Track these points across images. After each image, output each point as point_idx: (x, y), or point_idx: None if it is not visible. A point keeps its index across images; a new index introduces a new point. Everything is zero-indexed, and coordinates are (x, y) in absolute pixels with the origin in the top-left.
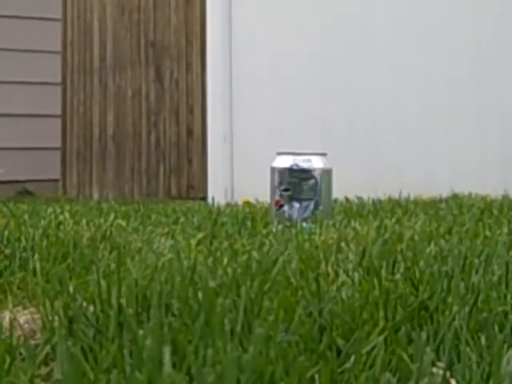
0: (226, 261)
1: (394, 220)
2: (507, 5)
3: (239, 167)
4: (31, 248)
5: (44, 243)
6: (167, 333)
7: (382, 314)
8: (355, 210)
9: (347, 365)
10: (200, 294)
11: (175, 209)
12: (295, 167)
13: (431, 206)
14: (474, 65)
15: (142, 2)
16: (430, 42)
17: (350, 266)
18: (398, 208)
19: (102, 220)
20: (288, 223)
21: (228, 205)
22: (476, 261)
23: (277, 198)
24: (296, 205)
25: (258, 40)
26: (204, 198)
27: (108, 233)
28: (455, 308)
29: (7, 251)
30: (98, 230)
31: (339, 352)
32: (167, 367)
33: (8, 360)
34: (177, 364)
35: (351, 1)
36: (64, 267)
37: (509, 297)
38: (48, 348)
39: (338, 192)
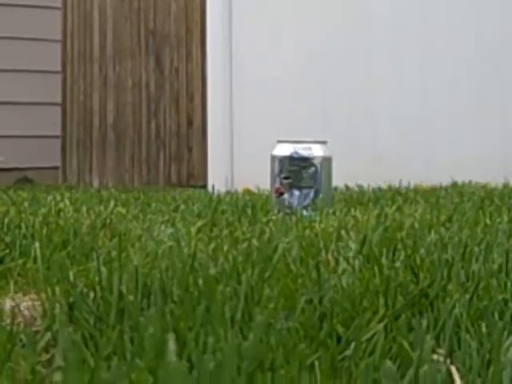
0: (226, 248)
1: (394, 208)
2: (508, 4)
3: (239, 155)
4: (31, 235)
5: (44, 230)
6: (168, 320)
7: (382, 301)
8: (355, 198)
9: (347, 352)
10: (200, 282)
11: (175, 197)
12: (295, 155)
13: (431, 195)
14: (475, 56)
15: None
16: (431, 28)
17: (351, 254)
18: (399, 196)
19: (102, 207)
20: (288, 211)
21: (228, 193)
22: (476, 249)
23: (277, 185)
24: (296, 193)
25: (259, 28)
26: (204, 186)
27: (108, 220)
28: (455, 296)
29: (7, 239)
30: (98, 218)
31: (339, 339)
32: (171, 355)
33: (9, 347)
34: (177, 351)
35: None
36: (64, 254)
37: (509, 285)
38: (49, 335)
39: (338, 180)
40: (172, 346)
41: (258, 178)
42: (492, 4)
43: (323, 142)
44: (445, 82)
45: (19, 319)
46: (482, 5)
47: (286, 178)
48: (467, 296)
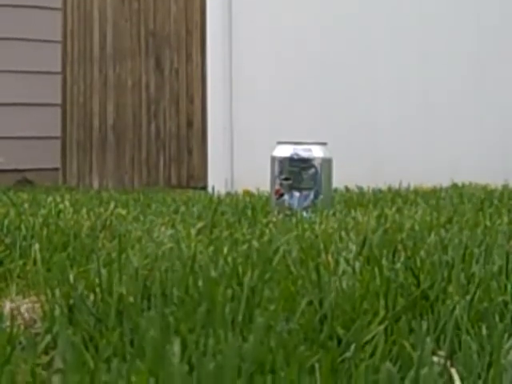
0: (226, 250)
1: (394, 209)
2: (508, 3)
3: (239, 156)
4: (31, 237)
5: (44, 232)
6: (168, 322)
7: (382, 303)
8: (355, 200)
9: (347, 354)
10: (201, 283)
11: (175, 198)
12: (295, 156)
13: (431, 196)
14: (475, 56)
15: None
16: (431, 28)
17: (351, 256)
18: (399, 198)
19: (102, 209)
20: (288, 212)
21: (228, 194)
22: (476, 250)
23: (277, 187)
24: (296, 194)
25: (259, 29)
26: (204, 188)
27: (108, 222)
28: (456, 297)
29: (7, 240)
30: (98, 219)
31: (340, 341)
32: (176, 358)
33: (8, 349)
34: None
35: None
36: (64, 256)
37: (509, 287)
38: (48, 337)
39: (339, 182)
40: (177, 350)
41: (258, 180)
42: (492, 4)
43: (323, 144)
44: (445, 81)
45: (19, 321)
46: (482, 5)
47: (285, 179)
48: (467, 298)
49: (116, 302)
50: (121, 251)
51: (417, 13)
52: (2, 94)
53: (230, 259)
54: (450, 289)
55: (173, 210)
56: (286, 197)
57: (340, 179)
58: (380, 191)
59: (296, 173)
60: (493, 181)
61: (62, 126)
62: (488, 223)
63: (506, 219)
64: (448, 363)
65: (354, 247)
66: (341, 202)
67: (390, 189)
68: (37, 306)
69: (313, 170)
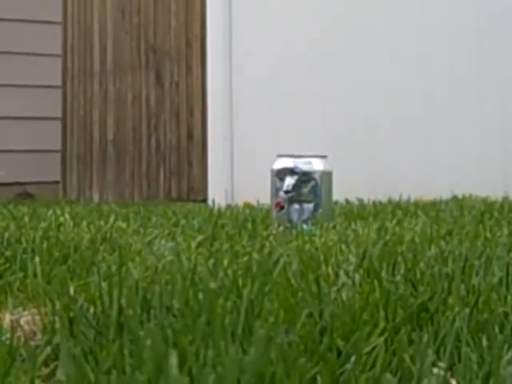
0: (226, 262)
1: (394, 222)
2: (508, 3)
3: (239, 169)
4: (32, 250)
5: (44, 245)
6: (168, 334)
7: (382, 314)
8: (356, 212)
9: (348, 366)
10: (201, 296)
11: (175, 211)
12: (296, 169)
13: (432, 208)
14: (474, 65)
15: (142, 5)
16: (430, 41)
17: (351, 268)
18: (399, 210)
19: (102, 222)
20: (288, 225)
21: (228, 207)
22: (476, 262)
23: (277, 199)
24: (296, 207)
25: (259, 42)
26: (204, 200)
27: (108, 235)
28: (456, 309)
29: (8, 253)
30: (98, 232)
31: (340, 353)
32: (174, 370)
33: (8, 361)
34: (178, 365)
35: (351, 1)
36: (64, 269)
37: (509, 298)
38: (48, 349)
39: (339, 194)
40: (174, 361)
41: (259, 192)
42: (492, 4)
43: (323, 156)
44: (444, 95)
45: (19, 333)
46: (482, 4)
47: (286, 192)
48: (467, 309)
49: (116, 315)
50: (121, 264)
51: (417, 13)
52: (2, 107)
53: (230, 271)
54: (450, 300)
55: (173, 222)
56: (286, 209)
57: (340, 191)
58: (380, 203)
59: (296, 186)
60: (493, 182)
61: (62, 140)
62: (488, 235)
63: (506, 231)
64: (448, 375)
65: (354, 259)
66: (341, 214)
67: (390, 201)
68: (37, 318)
69: (313, 183)
